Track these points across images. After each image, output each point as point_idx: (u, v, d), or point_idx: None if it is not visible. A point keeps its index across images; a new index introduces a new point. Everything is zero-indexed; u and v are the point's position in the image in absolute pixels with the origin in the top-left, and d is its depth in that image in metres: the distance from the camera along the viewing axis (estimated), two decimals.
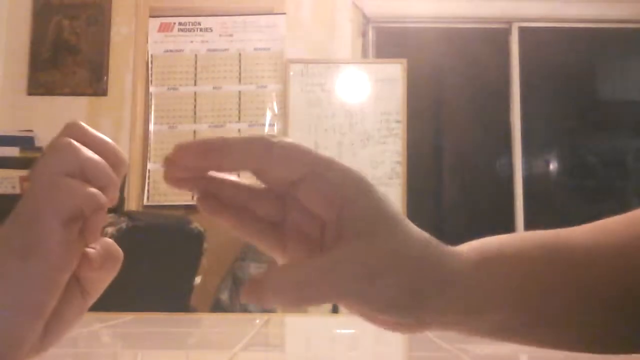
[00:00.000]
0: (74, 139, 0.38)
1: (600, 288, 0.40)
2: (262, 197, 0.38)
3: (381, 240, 0.35)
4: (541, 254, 0.40)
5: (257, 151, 0.37)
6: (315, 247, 0.38)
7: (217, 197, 0.38)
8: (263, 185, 0.38)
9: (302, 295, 0.34)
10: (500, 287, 0.38)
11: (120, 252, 0.40)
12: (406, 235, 0.36)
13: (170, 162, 0.37)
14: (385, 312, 0.37)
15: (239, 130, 3.51)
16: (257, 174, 0.37)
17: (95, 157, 0.38)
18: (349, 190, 0.36)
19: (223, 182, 0.38)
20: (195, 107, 3.55)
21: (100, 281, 0.40)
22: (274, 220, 0.39)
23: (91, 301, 0.40)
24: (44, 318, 0.36)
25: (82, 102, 3.55)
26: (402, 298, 0.35)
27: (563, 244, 0.41)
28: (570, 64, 3.86)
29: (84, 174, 0.37)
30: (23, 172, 3.17)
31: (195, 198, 0.38)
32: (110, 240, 0.40)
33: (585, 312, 0.40)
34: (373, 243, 0.35)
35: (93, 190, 0.37)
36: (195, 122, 3.53)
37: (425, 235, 0.37)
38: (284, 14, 3.57)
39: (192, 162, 0.37)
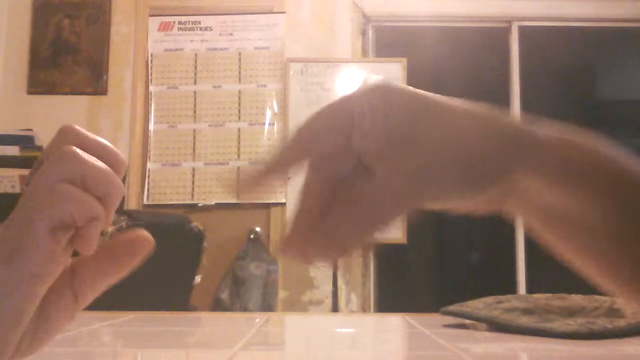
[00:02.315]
0: (72, 144, 0.37)
1: None
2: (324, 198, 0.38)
3: (426, 133, 0.35)
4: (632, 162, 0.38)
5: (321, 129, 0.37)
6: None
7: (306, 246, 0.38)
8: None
9: (370, 224, 0.34)
10: (587, 166, 0.37)
11: (127, 259, 0.39)
12: (460, 118, 0.36)
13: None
14: (461, 199, 0.36)
15: (239, 129, 3.51)
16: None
17: (99, 164, 0.37)
18: (380, 111, 0.35)
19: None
20: (195, 106, 3.55)
21: (95, 286, 0.39)
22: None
23: (84, 304, 0.39)
24: (21, 325, 0.35)
25: (82, 101, 3.55)
26: (473, 183, 0.35)
27: None
28: (570, 63, 3.85)
29: (86, 182, 0.36)
30: (23, 171, 3.17)
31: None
32: (123, 242, 0.39)
33: None
34: (416, 140, 0.35)
35: (88, 198, 0.36)
36: (195, 121, 3.53)
37: (488, 112, 0.37)
38: (284, 13, 3.57)
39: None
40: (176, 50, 3.58)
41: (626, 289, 0.39)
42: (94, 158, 0.37)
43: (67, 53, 3.57)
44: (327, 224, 0.36)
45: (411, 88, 0.37)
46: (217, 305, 3.17)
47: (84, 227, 0.36)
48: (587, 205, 0.37)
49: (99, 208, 0.36)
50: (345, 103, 0.36)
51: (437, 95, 0.37)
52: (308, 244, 0.37)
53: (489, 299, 0.85)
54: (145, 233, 0.40)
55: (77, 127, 0.39)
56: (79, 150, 0.37)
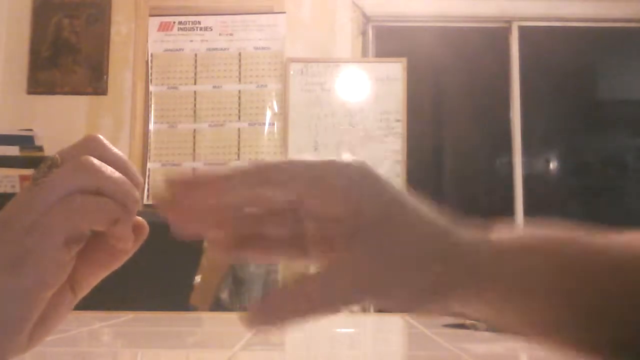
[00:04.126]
0: (93, 154, 0.37)
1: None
2: (269, 220, 0.37)
3: (399, 234, 0.34)
4: (583, 256, 0.38)
5: (254, 182, 0.35)
6: (335, 246, 0.37)
7: (225, 234, 0.37)
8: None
9: (315, 307, 0.34)
10: (530, 280, 0.37)
11: (121, 249, 0.39)
12: (427, 225, 0.35)
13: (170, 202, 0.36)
14: (408, 310, 0.37)
15: (239, 130, 3.51)
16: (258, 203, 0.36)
17: (116, 175, 0.37)
18: (355, 189, 0.35)
19: (229, 217, 0.37)
20: (195, 106, 3.55)
21: (93, 276, 0.39)
22: (288, 236, 0.38)
23: (81, 295, 0.39)
24: (25, 330, 0.35)
25: (82, 101, 3.55)
26: (428, 294, 0.35)
27: (604, 246, 0.39)
28: (570, 63, 3.85)
29: (102, 192, 0.36)
30: (23, 171, 3.17)
31: (205, 242, 0.38)
32: (117, 234, 0.39)
33: (617, 322, 0.37)
34: (391, 238, 0.34)
35: (106, 203, 0.36)
36: (195, 121, 3.53)
37: (444, 219, 0.36)
38: (284, 13, 3.57)
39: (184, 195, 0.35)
40: (176, 50, 3.58)
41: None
42: (111, 169, 0.37)
43: (67, 53, 3.57)
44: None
45: (387, 180, 0.36)
46: (217, 306, 3.17)
47: (111, 230, 0.36)
48: (526, 312, 0.38)
49: (118, 209, 0.36)
50: (326, 168, 0.35)
51: (406, 194, 0.36)
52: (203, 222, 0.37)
53: None
54: (139, 219, 0.40)
55: (102, 138, 0.39)
56: (96, 161, 0.37)
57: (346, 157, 0.36)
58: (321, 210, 0.35)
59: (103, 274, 0.40)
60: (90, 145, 0.38)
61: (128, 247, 0.38)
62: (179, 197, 0.35)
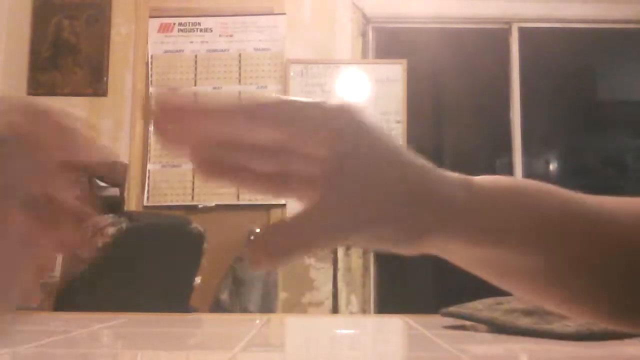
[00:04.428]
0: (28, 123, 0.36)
1: (618, 256, 0.39)
2: (255, 154, 0.38)
3: (379, 176, 0.35)
4: (558, 201, 0.40)
5: (245, 117, 0.35)
6: (318, 185, 0.37)
7: (213, 161, 0.37)
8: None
9: (303, 244, 0.34)
10: (511, 220, 0.38)
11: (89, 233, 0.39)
12: (405, 168, 0.36)
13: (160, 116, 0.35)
14: (387, 247, 0.37)
15: None
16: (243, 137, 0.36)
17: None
18: (341, 131, 0.35)
19: (218, 145, 0.37)
20: None
21: (56, 255, 0.39)
22: (274, 171, 0.38)
23: (42, 278, 0.39)
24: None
25: (82, 102, 3.55)
26: (403, 232, 0.36)
27: (579, 199, 0.41)
28: (570, 64, 3.86)
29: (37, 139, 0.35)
30: None
31: (194, 166, 0.37)
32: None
33: (589, 266, 0.39)
34: (371, 181, 0.35)
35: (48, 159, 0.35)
36: None
37: (426, 164, 0.37)
38: (284, 14, 3.58)
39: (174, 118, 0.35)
40: (176, 51, 3.59)
41: (561, 309, 0.43)
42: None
43: (67, 54, 3.57)
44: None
45: (373, 124, 0.37)
46: (217, 306, 3.17)
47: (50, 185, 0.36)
48: (511, 256, 0.39)
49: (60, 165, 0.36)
50: (314, 109, 0.36)
51: (390, 137, 0.37)
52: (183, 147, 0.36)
53: (489, 300, 0.85)
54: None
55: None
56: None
57: (336, 99, 0.37)
58: (306, 150, 0.36)
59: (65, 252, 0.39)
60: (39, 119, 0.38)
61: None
62: (170, 118, 0.35)
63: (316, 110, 0.36)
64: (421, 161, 0.37)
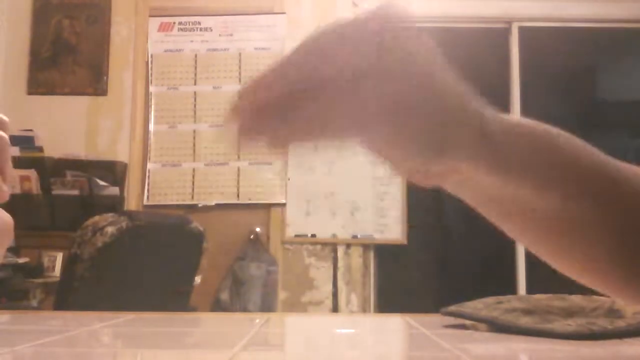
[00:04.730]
0: None
1: (629, 203, 0.39)
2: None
3: (415, 80, 0.35)
4: (589, 151, 0.40)
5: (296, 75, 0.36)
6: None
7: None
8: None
9: (318, 127, 0.34)
10: (538, 158, 0.38)
11: (5, 218, 0.39)
12: (444, 83, 0.36)
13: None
14: (408, 161, 0.36)
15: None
16: None
17: None
18: (389, 39, 0.36)
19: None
20: (195, 106, 3.55)
21: None
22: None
23: None
24: None
25: (82, 101, 3.55)
26: (432, 145, 0.35)
27: (598, 153, 0.41)
28: (570, 63, 3.86)
29: None
30: (23, 171, 3.17)
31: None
32: None
33: (609, 218, 0.39)
34: (407, 83, 0.35)
35: None
36: (195, 121, 3.53)
37: (463, 88, 0.38)
38: (284, 13, 3.58)
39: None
40: (176, 50, 3.58)
41: (574, 271, 0.41)
42: None
43: (67, 54, 3.57)
44: (284, 111, 0.36)
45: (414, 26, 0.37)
46: (217, 306, 3.16)
47: None
48: (528, 193, 0.38)
49: None
50: (358, 24, 0.37)
51: (434, 52, 0.38)
52: (257, 122, 0.37)
53: (489, 300, 0.85)
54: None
55: None
56: None
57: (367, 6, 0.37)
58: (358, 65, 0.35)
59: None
60: None
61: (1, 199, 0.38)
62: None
63: (357, 24, 0.37)
64: (458, 82, 0.38)
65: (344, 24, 0.36)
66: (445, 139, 0.35)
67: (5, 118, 0.40)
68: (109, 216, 1.93)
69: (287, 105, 0.35)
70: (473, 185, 0.39)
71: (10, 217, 0.39)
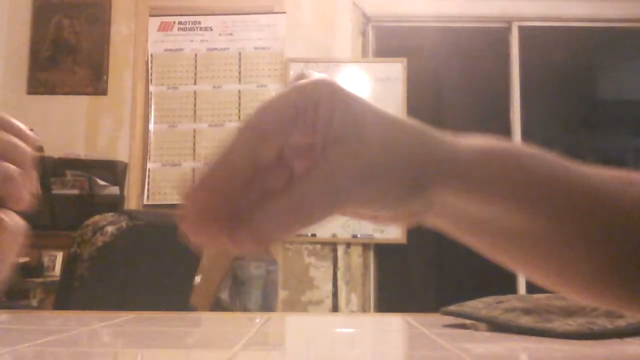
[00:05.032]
0: None
1: (609, 218, 0.39)
2: (268, 175, 0.36)
3: (370, 135, 0.34)
4: (559, 162, 0.39)
5: (251, 146, 0.35)
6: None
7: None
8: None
9: (297, 218, 0.33)
10: (505, 178, 0.37)
11: (20, 223, 0.39)
12: (397, 127, 0.35)
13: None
14: (385, 210, 0.36)
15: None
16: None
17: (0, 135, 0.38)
18: (325, 107, 0.34)
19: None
20: (195, 106, 3.55)
21: (6, 252, 0.38)
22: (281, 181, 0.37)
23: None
24: None
25: (82, 101, 3.55)
26: (405, 188, 0.35)
27: (575, 167, 0.41)
28: (570, 63, 3.86)
29: None
30: None
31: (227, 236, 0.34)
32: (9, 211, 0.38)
33: (589, 229, 0.38)
34: (359, 142, 0.34)
35: None
36: (195, 121, 3.53)
37: (418, 124, 0.36)
38: (284, 13, 3.57)
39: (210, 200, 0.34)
40: (176, 50, 3.58)
41: (560, 288, 0.41)
42: None
43: (67, 53, 3.57)
44: (247, 209, 0.34)
45: (348, 89, 0.36)
46: (217, 305, 3.16)
47: (3, 186, 0.36)
48: (505, 214, 0.38)
49: (10, 169, 0.37)
50: (291, 96, 0.35)
51: (375, 105, 0.36)
52: (210, 219, 0.35)
53: (489, 299, 0.85)
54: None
55: None
56: None
57: (311, 74, 0.36)
58: (302, 141, 0.35)
59: (15, 246, 0.39)
60: None
61: (21, 207, 0.38)
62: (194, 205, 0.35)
63: (299, 97, 0.34)
64: (412, 120, 0.36)
65: (280, 97, 0.35)
66: (417, 178, 0.35)
67: (30, 134, 0.40)
68: (109, 216, 1.93)
69: (247, 203, 0.33)
70: (450, 212, 0.38)
71: (23, 222, 0.39)
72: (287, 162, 0.36)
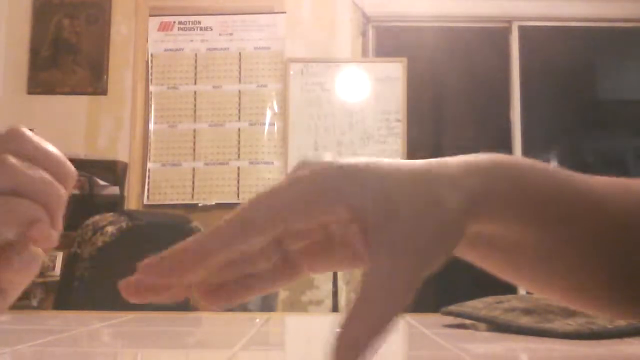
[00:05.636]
0: (13, 150, 0.36)
1: (616, 234, 0.39)
2: (255, 257, 0.35)
3: (403, 208, 0.32)
4: (561, 183, 0.39)
5: (236, 236, 0.32)
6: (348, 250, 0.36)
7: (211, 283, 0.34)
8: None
9: (388, 314, 0.32)
10: (509, 196, 0.37)
11: (38, 255, 0.38)
12: (417, 183, 0.34)
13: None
14: (447, 258, 0.35)
15: (239, 129, 3.51)
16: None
17: (33, 173, 0.36)
18: (341, 193, 0.32)
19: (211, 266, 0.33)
20: (195, 106, 3.55)
21: (20, 283, 0.38)
22: (277, 261, 0.37)
23: (10, 301, 0.38)
24: None
25: (82, 101, 3.55)
26: (453, 240, 0.34)
27: (583, 182, 0.40)
28: (570, 63, 3.86)
29: (20, 192, 0.35)
30: None
31: (196, 296, 0.34)
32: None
33: (597, 254, 0.38)
34: (404, 214, 0.32)
35: (22, 204, 0.35)
36: (195, 121, 3.53)
37: (428, 166, 0.35)
38: (284, 13, 3.57)
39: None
40: (176, 50, 3.58)
41: (579, 304, 0.42)
42: (28, 166, 0.36)
43: (67, 53, 3.57)
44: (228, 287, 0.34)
45: (358, 161, 0.34)
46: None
47: (29, 230, 0.35)
48: (522, 236, 0.38)
49: (32, 209, 0.35)
50: (301, 185, 0.33)
51: (382, 161, 0.34)
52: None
53: (489, 299, 0.85)
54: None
55: (24, 130, 0.38)
56: (12, 160, 0.35)
57: (309, 162, 0.34)
58: (305, 226, 0.33)
59: (29, 280, 0.38)
60: (8, 140, 0.37)
61: (50, 246, 0.37)
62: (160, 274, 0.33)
63: (305, 184, 0.32)
64: (422, 166, 0.35)
65: (283, 185, 0.33)
66: (448, 222, 0.34)
67: (70, 166, 0.39)
68: (109, 216, 1.93)
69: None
70: (479, 246, 0.38)
71: (42, 253, 0.38)
72: (281, 246, 0.35)
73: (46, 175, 0.37)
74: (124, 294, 0.32)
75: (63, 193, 0.37)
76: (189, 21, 3.60)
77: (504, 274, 0.43)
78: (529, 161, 0.39)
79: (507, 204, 0.36)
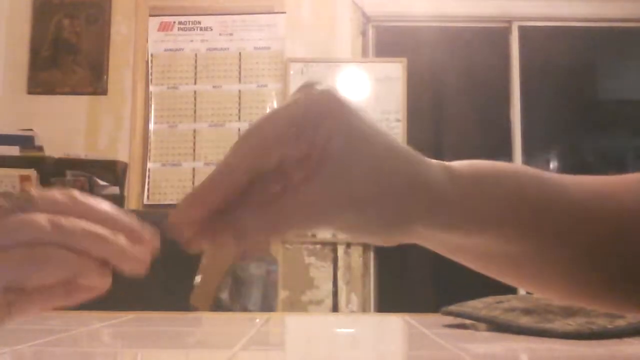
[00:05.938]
0: (61, 207, 0.37)
1: (591, 225, 0.40)
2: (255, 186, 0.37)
3: (363, 162, 0.35)
4: (535, 182, 0.40)
5: (241, 166, 0.35)
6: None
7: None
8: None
9: (276, 228, 0.34)
10: (492, 205, 0.38)
11: (83, 295, 0.39)
12: (389, 153, 0.36)
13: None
14: (372, 235, 0.37)
15: (239, 129, 3.51)
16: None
17: (73, 224, 0.36)
18: (324, 115, 0.35)
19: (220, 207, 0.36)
20: (195, 106, 3.55)
21: (39, 309, 0.38)
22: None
23: (15, 319, 0.38)
24: None
25: (82, 101, 3.55)
26: (389, 220, 0.36)
27: (557, 179, 0.41)
28: (570, 63, 3.85)
29: (68, 246, 0.36)
30: (23, 171, 3.17)
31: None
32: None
33: (574, 245, 0.40)
34: (353, 167, 0.35)
35: (62, 254, 0.35)
36: (195, 121, 3.53)
37: (409, 151, 0.37)
38: (284, 13, 3.57)
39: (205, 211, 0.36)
40: (176, 50, 3.58)
41: (554, 294, 0.43)
42: (75, 222, 0.37)
43: (67, 53, 3.57)
44: (236, 212, 0.35)
45: (351, 103, 0.36)
46: (217, 306, 3.16)
47: (81, 278, 0.37)
48: (489, 242, 0.39)
49: (75, 262, 0.36)
50: (295, 108, 0.36)
51: (372, 122, 0.37)
52: (205, 224, 0.37)
53: (489, 299, 0.85)
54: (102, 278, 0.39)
55: (77, 194, 0.38)
56: (44, 220, 0.36)
57: (317, 83, 0.36)
58: (301, 153, 0.35)
59: (49, 309, 0.39)
60: (62, 200, 0.38)
61: (98, 287, 0.38)
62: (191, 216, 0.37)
63: (294, 109, 0.35)
64: (405, 146, 0.37)
65: (284, 108, 0.36)
66: (401, 208, 0.36)
67: (147, 235, 0.42)
68: None
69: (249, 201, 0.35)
70: (432, 239, 0.40)
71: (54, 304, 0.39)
72: (285, 172, 0.36)
73: (89, 230, 0.37)
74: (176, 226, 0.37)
75: (113, 248, 0.39)
76: (189, 21, 3.60)
77: (504, 277, 0.44)
78: (507, 165, 0.41)
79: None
